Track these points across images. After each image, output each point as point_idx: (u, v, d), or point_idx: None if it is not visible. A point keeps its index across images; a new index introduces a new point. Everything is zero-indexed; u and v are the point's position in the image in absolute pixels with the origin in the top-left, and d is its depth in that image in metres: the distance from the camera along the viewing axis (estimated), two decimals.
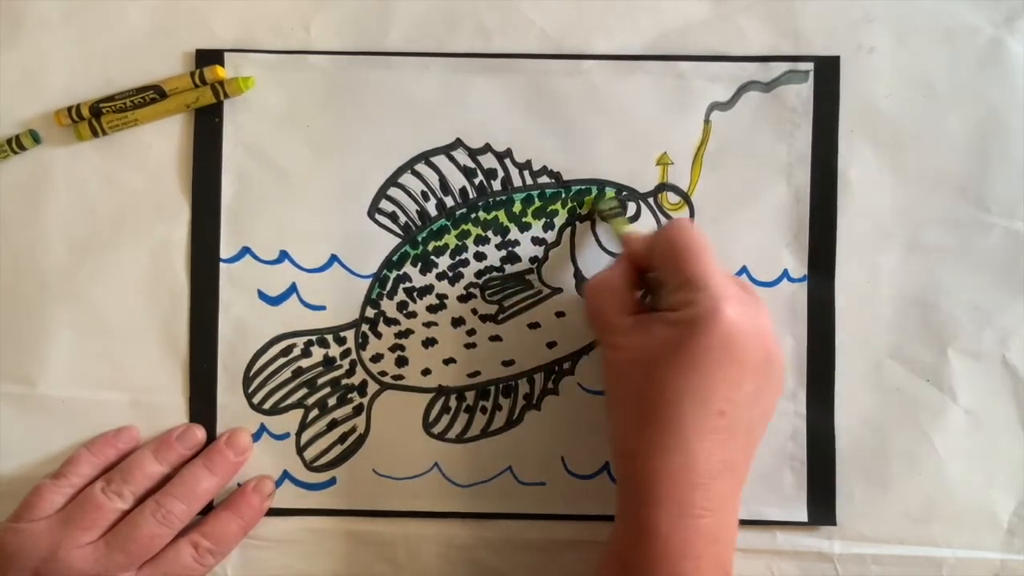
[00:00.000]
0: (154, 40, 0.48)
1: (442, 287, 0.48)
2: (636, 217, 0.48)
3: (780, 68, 0.48)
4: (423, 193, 0.48)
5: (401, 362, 0.48)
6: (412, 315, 0.48)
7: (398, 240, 0.48)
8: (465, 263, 0.48)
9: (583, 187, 0.48)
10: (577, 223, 0.48)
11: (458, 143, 0.48)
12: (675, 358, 0.38)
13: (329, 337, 0.48)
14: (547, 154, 0.48)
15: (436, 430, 0.48)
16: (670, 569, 0.38)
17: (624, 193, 0.48)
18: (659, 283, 0.41)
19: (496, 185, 0.48)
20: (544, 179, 0.48)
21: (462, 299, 0.48)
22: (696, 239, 0.40)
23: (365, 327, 0.48)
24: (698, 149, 0.48)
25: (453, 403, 0.48)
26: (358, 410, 0.48)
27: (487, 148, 0.48)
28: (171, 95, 0.48)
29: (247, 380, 0.48)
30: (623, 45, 0.48)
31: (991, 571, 0.48)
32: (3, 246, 0.48)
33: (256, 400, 0.48)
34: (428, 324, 0.48)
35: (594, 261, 0.48)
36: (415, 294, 0.48)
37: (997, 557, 0.48)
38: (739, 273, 0.48)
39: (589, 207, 0.48)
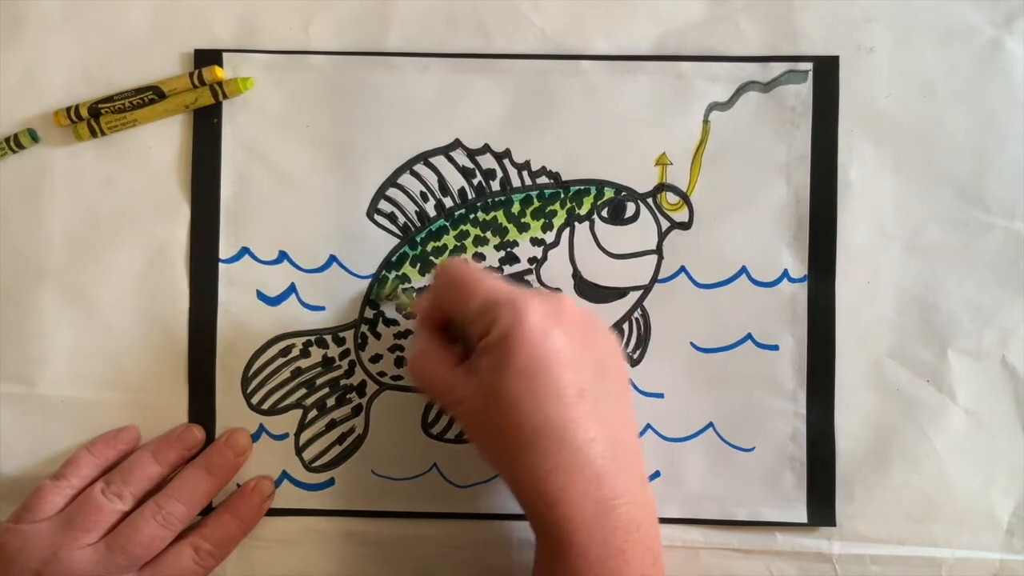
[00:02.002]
0: (153, 40, 0.48)
1: None
2: (635, 217, 0.48)
3: (779, 68, 0.48)
4: (422, 194, 0.48)
5: (400, 362, 0.48)
6: (411, 316, 0.48)
7: (397, 241, 0.48)
8: None
9: (582, 187, 0.48)
10: (576, 224, 0.48)
11: (457, 143, 0.48)
12: (509, 374, 0.38)
13: (328, 337, 0.48)
14: (546, 154, 0.48)
15: (435, 430, 0.48)
16: (598, 571, 0.38)
17: (623, 193, 0.48)
18: (462, 326, 0.41)
19: (495, 186, 0.48)
20: (543, 179, 0.48)
21: None
22: (471, 268, 0.41)
23: (364, 328, 0.48)
24: (697, 149, 0.48)
25: None
26: (357, 410, 0.48)
27: (486, 148, 0.48)
28: (170, 96, 0.48)
29: (246, 380, 0.48)
30: (622, 45, 0.48)
31: (990, 571, 0.48)
32: (3, 246, 0.48)
33: (255, 400, 0.48)
34: None
35: (593, 262, 0.48)
36: (414, 295, 0.48)
37: (997, 557, 0.48)
38: (739, 274, 0.48)
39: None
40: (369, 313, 0.48)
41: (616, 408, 0.40)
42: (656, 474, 0.48)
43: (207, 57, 0.48)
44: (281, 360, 0.48)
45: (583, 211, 0.48)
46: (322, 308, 0.48)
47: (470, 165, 0.48)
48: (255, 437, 0.48)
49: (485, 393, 0.39)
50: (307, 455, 0.48)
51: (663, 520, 0.45)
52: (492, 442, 0.40)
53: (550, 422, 0.38)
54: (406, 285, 0.48)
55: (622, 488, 0.38)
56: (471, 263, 0.41)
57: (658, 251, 0.48)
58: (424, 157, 0.48)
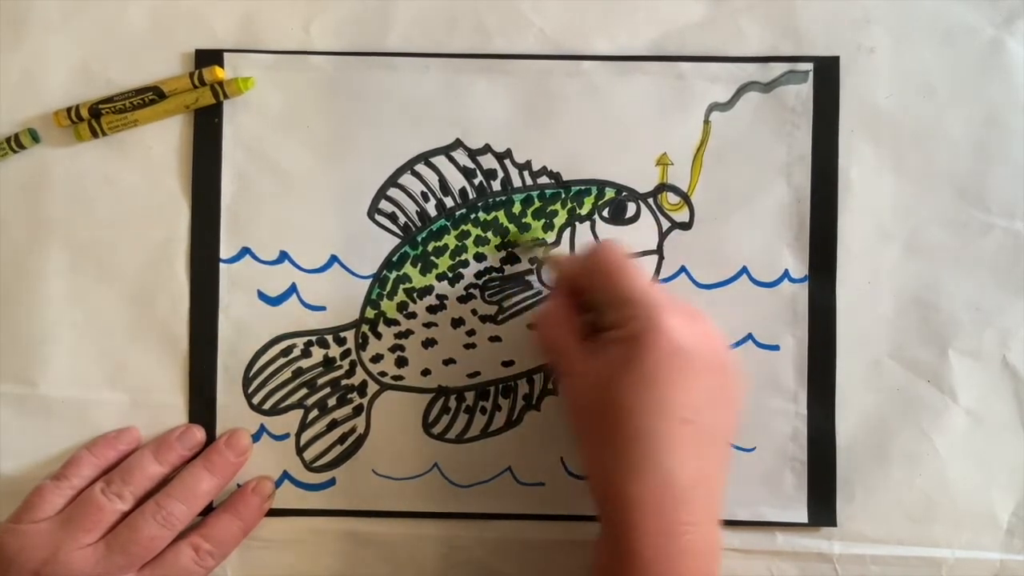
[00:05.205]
0: (154, 40, 0.48)
1: (442, 288, 0.48)
2: (636, 218, 0.48)
3: (780, 68, 0.48)
4: (423, 194, 0.48)
5: (401, 362, 0.48)
6: (412, 316, 0.48)
7: (398, 240, 0.48)
8: (465, 264, 0.48)
9: (583, 187, 0.48)
10: (576, 224, 0.48)
11: (458, 143, 0.48)
12: (628, 374, 0.38)
13: (329, 338, 0.48)
14: (547, 154, 0.48)
15: (436, 430, 0.48)
16: None
17: (624, 193, 0.48)
18: (597, 303, 0.41)
19: (496, 186, 0.48)
20: (544, 179, 0.48)
21: (462, 300, 0.48)
22: (623, 258, 0.41)
23: (365, 327, 0.48)
24: (698, 149, 0.48)
25: (453, 403, 0.48)
26: (358, 410, 0.48)
27: (487, 148, 0.48)
28: (171, 96, 0.47)
29: (247, 380, 0.48)
30: (623, 45, 0.48)
31: (991, 571, 0.48)
32: (3, 245, 0.48)
33: (256, 400, 0.48)
34: (428, 325, 0.48)
35: None
36: (415, 295, 0.48)
37: (997, 557, 0.48)
38: (739, 274, 0.48)
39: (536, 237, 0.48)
40: (370, 313, 0.48)
41: (716, 442, 0.40)
42: None
43: (208, 57, 0.48)
44: (282, 360, 0.48)
45: (584, 211, 0.48)
46: (323, 308, 0.48)
47: (471, 165, 0.48)
48: (256, 437, 0.48)
49: (599, 380, 0.39)
50: (308, 455, 0.48)
51: None
52: (586, 425, 0.41)
53: (644, 439, 0.38)
54: (546, 244, 0.48)
55: (696, 519, 0.38)
56: (626, 251, 0.42)
57: (659, 251, 0.48)
58: (425, 157, 0.48)
